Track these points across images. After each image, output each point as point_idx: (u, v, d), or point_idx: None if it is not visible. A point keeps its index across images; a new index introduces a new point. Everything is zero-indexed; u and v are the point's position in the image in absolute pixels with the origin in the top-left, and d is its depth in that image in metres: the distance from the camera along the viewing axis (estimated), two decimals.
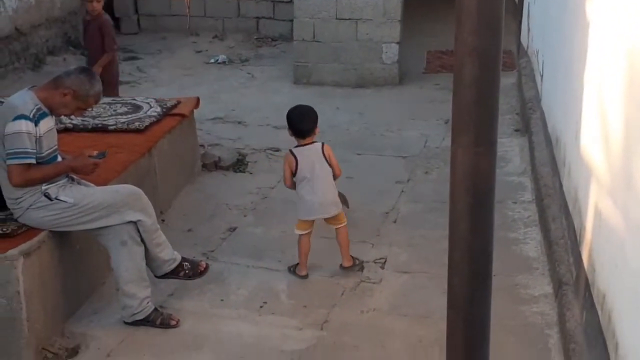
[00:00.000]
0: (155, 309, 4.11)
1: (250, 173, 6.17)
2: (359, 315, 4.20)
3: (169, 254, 4.21)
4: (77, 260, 4.20)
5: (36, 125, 3.80)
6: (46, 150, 3.90)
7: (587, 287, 3.55)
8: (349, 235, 4.59)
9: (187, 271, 4.27)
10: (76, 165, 4.01)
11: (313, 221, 4.54)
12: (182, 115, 5.71)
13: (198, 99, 6.10)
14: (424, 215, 5.31)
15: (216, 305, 4.31)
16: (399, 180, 5.95)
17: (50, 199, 3.89)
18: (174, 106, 5.77)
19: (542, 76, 6.33)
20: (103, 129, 5.30)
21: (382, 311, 4.24)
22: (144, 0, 10.76)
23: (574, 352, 3.51)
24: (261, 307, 4.28)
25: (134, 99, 5.96)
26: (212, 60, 9.62)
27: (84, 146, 4.54)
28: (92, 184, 4.18)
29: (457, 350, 2.33)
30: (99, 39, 6.57)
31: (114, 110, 5.63)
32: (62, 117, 4.52)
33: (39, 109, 3.83)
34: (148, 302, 4.08)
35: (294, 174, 4.47)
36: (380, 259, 4.75)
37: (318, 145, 4.47)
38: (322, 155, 4.44)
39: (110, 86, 6.36)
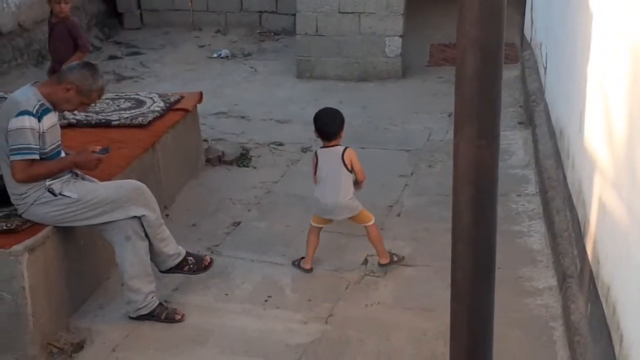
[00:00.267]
0: (160, 304, 4.12)
1: (254, 167, 6.17)
2: (363, 308, 4.21)
3: (173, 249, 4.21)
4: (82, 255, 4.21)
5: (39, 121, 3.80)
6: (49, 146, 3.91)
7: (592, 279, 3.54)
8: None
9: (191, 266, 4.28)
10: (80, 161, 4.02)
11: (328, 219, 4.55)
12: (186, 110, 5.71)
13: (201, 94, 6.10)
14: (427, 208, 5.30)
15: (221, 300, 4.31)
16: (403, 174, 5.95)
17: (54, 194, 3.90)
18: (177, 101, 5.77)
19: (545, 68, 6.32)
20: (106, 125, 5.30)
21: (387, 305, 4.24)
22: None
23: (579, 344, 3.51)
24: (266, 301, 4.29)
25: (137, 94, 5.96)
26: (215, 55, 9.61)
27: (88, 142, 4.55)
28: (96, 180, 4.19)
29: (461, 343, 2.33)
30: (69, 41, 6.50)
31: (118, 106, 5.64)
32: (66, 112, 4.53)
33: (42, 105, 3.84)
34: (153, 297, 4.09)
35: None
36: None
37: (340, 149, 4.49)
38: (341, 159, 4.45)
39: None
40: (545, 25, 6.54)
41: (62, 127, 4.30)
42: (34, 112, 3.79)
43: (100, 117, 5.41)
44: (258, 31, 10.42)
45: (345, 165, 4.43)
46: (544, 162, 5.39)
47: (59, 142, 4.03)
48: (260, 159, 6.31)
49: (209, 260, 4.35)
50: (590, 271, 3.60)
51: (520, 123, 6.88)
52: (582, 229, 3.95)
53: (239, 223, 5.21)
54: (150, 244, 4.10)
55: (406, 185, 5.77)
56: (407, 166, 6.12)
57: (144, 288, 4.05)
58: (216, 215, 5.32)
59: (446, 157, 6.10)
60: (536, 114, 6.25)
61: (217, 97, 7.79)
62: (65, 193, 3.92)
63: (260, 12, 10.52)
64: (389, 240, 4.89)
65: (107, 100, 5.67)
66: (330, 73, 8.59)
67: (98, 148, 4.10)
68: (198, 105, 6.03)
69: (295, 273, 4.56)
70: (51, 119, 3.91)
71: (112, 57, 9.54)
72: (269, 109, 7.54)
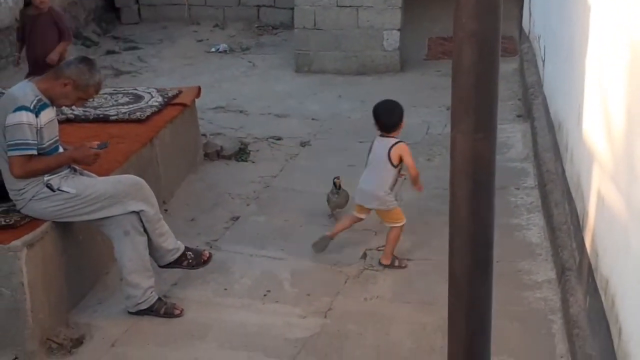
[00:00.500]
0: (159, 299, 4.12)
1: (253, 162, 6.17)
2: (362, 302, 4.21)
3: (172, 244, 4.21)
4: (81, 250, 4.21)
5: (37, 116, 3.80)
6: (47, 142, 3.90)
7: (590, 272, 3.54)
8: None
9: (190, 260, 4.28)
10: (78, 156, 4.01)
11: (366, 210, 4.58)
12: (184, 105, 5.71)
13: (199, 88, 6.10)
14: (426, 202, 5.30)
15: (220, 294, 4.31)
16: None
17: (52, 190, 3.90)
18: (176, 96, 5.76)
19: (544, 61, 6.31)
20: (104, 120, 5.29)
21: (386, 298, 4.25)
22: None
23: (578, 337, 3.51)
24: (265, 295, 4.29)
25: (136, 89, 5.95)
26: (213, 49, 9.59)
27: (86, 137, 4.55)
28: (94, 175, 4.18)
29: (459, 336, 2.33)
30: (55, 31, 6.51)
31: (116, 101, 5.63)
32: (64, 107, 4.52)
33: (39, 100, 3.83)
34: (152, 292, 4.09)
35: None
36: (383, 246, 4.74)
37: (391, 142, 4.51)
38: (387, 151, 4.46)
39: None
40: (544, 18, 6.53)
41: (60, 122, 4.29)
42: (32, 107, 3.79)
43: (98, 112, 5.40)
44: (256, 25, 10.41)
45: (390, 159, 4.44)
46: (543, 155, 5.38)
47: (57, 138, 4.02)
48: (258, 153, 6.31)
49: (207, 255, 4.35)
50: (589, 264, 3.60)
51: (518, 116, 6.88)
52: (580, 221, 3.95)
53: (237, 218, 5.21)
54: (149, 239, 4.10)
55: (405, 179, 5.75)
56: None
57: (143, 283, 4.05)
58: (215, 210, 5.32)
59: (445, 150, 6.09)
60: (535, 107, 6.25)
61: (215, 91, 7.78)
62: (64, 188, 3.91)
63: (258, 6, 10.50)
64: None
65: (105, 95, 5.66)
66: (329, 67, 8.58)
67: (96, 143, 4.10)
68: (196, 100, 6.02)
69: (294, 267, 4.56)
70: (49, 114, 3.90)
71: (110, 52, 9.52)
72: (268, 104, 7.53)
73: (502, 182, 5.22)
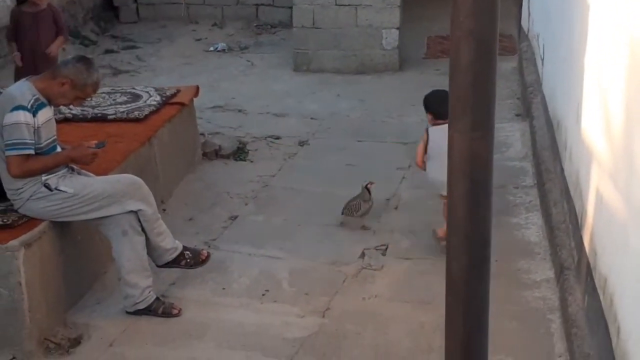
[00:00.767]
0: (157, 298, 4.11)
1: (251, 161, 6.16)
2: (360, 302, 4.20)
3: (170, 243, 4.21)
4: (79, 250, 4.20)
5: (34, 115, 3.79)
6: (45, 141, 3.89)
7: (589, 271, 3.54)
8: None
9: (188, 260, 4.27)
10: (75, 156, 4.00)
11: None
12: (182, 104, 5.70)
13: (198, 88, 6.08)
14: (425, 201, 5.28)
15: (218, 294, 4.31)
16: (400, 167, 5.93)
17: (50, 189, 3.89)
18: (174, 95, 5.75)
19: (542, 60, 6.30)
20: (102, 119, 5.29)
21: (384, 298, 4.24)
22: None
23: (576, 336, 3.51)
24: (263, 295, 4.28)
25: (134, 88, 5.95)
26: (212, 49, 9.59)
27: (84, 136, 4.54)
28: (92, 174, 4.17)
29: (456, 334, 2.32)
30: (53, 28, 6.53)
31: (114, 100, 5.62)
32: (61, 107, 4.51)
33: (37, 100, 3.83)
34: (150, 292, 4.08)
35: (426, 151, 4.57)
36: (382, 245, 4.74)
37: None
38: None
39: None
40: (543, 16, 6.52)
41: (58, 121, 4.29)
42: (29, 106, 3.78)
43: (96, 111, 5.39)
44: (255, 24, 10.40)
45: None
46: (542, 154, 5.38)
47: (55, 137, 4.02)
48: (257, 152, 6.30)
49: (206, 255, 4.34)
50: (588, 263, 3.59)
51: (517, 115, 6.87)
52: (579, 220, 3.94)
53: (236, 217, 5.21)
54: (147, 239, 4.09)
55: (403, 178, 5.76)
56: (405, 159, 6.10)
57: (141, 283, 4.04)
58: (213, 210, 5.31)
59: None
60: (533, 106, 6.24)
61: (213, 90, 7.77)
62: (62, 188, 3.91)
63: (257, 5, 10.50)
64: (387, 233, 4.90)
65: (103, 95, 5.65)
66: (328, 66, 8.57)
67: (94, 142, 4.09)
68: (195, 99, 6.02)
69: (293, 267, 4.56)
70: (46, 113, 3.89)
71: (108, 51, 9.51)
72: (266, 103, 7.53)
73: (501, 181, 5.22)
